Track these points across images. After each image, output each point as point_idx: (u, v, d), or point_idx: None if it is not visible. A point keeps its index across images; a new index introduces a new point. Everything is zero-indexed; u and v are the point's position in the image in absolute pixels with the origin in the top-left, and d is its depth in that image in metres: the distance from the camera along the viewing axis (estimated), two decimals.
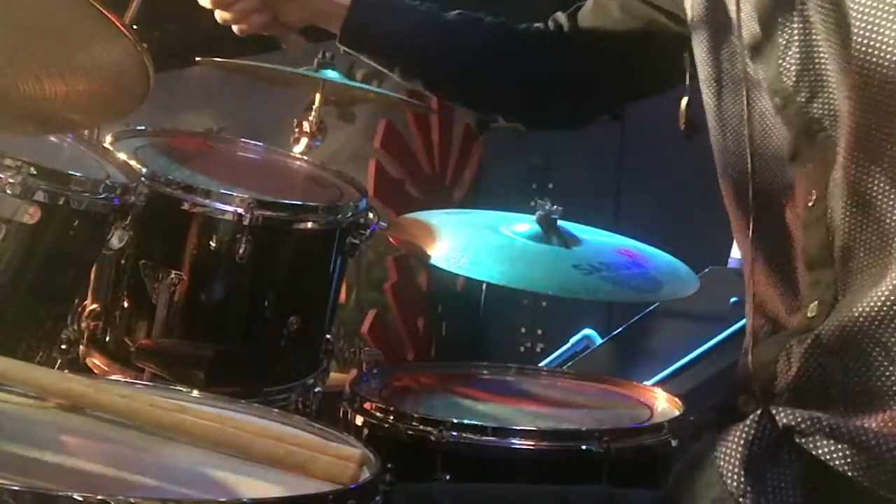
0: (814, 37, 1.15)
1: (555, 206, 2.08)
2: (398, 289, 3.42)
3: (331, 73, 2.28)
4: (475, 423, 1.73)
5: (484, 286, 3.29)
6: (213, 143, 2.20)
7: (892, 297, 1.08)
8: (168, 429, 1.20)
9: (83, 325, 1.82)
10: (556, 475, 1.71)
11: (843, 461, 1.09)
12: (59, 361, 1.66)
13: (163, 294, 1.81)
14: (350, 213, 1.95)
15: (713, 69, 1.31)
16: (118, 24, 1.07)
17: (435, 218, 2.19)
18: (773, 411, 1.14)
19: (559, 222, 2.09)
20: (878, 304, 1.09)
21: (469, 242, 2.05)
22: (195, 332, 1.85)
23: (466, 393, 2.00)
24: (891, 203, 1.10)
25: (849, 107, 1.11)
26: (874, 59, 1.07)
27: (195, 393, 1.39)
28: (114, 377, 1.73)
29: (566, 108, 1.75)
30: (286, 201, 1.89)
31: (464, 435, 1.69)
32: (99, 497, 0.95)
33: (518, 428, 1.75)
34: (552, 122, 1.87)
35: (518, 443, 1.71)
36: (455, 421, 1.71)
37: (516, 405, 1.97)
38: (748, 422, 1.16)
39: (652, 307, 3.13)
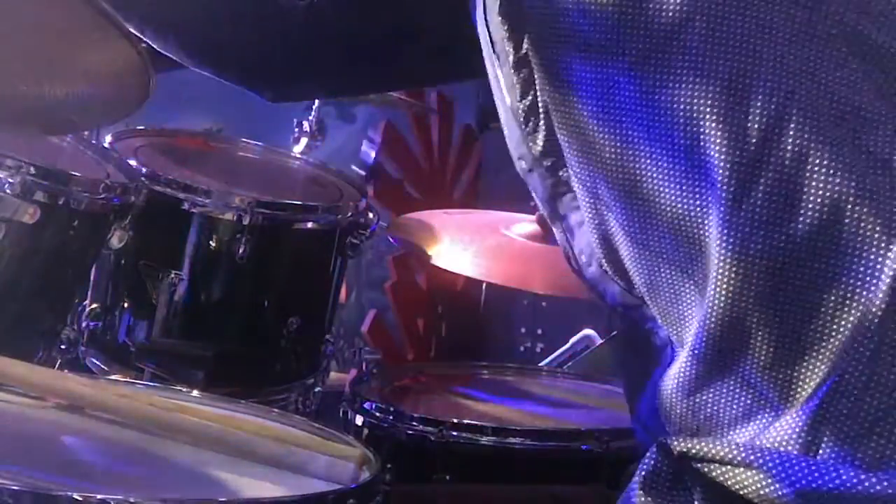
0: (549, 105, 1.08)
1: None
2: (398, 289, 3.41)
3: None
4: (475, 423, 1.73)
5: (484, 286, 3.28)
6: (213, 143, 2.20)
7: (712, 336, 1.02)
8: (168, 429, 1.21)
9: (83, 325, 1.82)
10: (556, 475, 1.71)
11: (734, 481, 1.07)
12: (59, 361, 1.66)
13: (163, 294, 1.81)
14: (350, 213, 1.95)
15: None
16: (118, 25, 1.07)
17: (435, 218, 2.19)
18: (665, 440, 1.13)
19: None
20: (703, 342, 1.03)
21: (469, 242, 2.05)
22: (195, 332, 1.86)
23: (466, 393, 2.00)
24: (667, 243, 1.04)
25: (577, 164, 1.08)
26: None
27: (195, 393, 1.40)
28: (114, 377, 1.73)
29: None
30: (286, 201, 1.89)
31: (464, 435, 1.69)
32: (99, 497, 0.96)
33: (518, 428, 1.75)
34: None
35: (518, 443, 1.71)
36: (455, 421, 1.71)
37: (516, 405, 1.97)
38: (648, 454, 1.16)
39: None
